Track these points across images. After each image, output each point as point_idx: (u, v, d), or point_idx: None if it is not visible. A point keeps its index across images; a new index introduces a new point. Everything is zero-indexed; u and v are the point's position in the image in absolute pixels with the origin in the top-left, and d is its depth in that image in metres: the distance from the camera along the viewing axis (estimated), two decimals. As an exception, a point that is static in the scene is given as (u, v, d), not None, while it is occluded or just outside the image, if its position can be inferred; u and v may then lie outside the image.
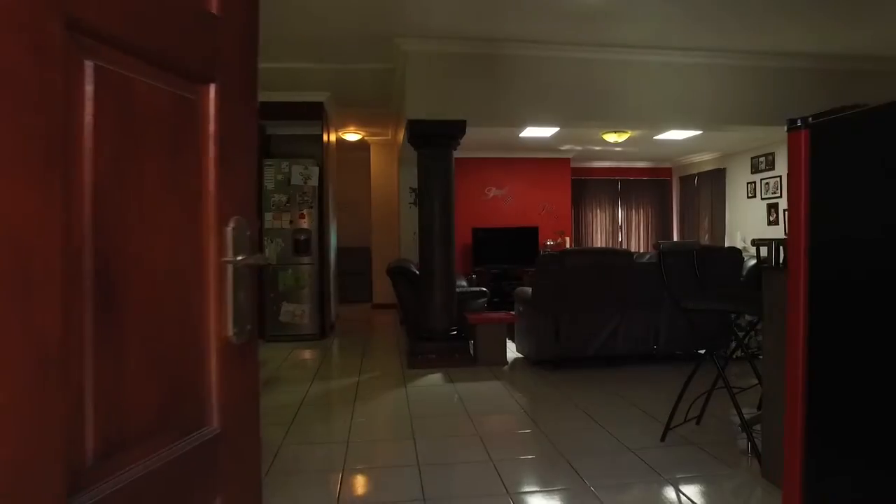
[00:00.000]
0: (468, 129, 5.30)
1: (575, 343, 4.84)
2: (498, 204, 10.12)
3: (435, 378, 4.77)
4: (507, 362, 5.26)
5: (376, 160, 9.56)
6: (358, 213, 10.41)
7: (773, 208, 8.85)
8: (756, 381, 3.65)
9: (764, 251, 5.17)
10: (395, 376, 4.86)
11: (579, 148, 9.67)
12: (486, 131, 8.01)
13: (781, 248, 2.66)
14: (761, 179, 9.12)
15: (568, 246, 10.08)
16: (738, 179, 9.73)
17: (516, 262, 9.48)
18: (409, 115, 5.17)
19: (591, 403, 3.92)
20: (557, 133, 8.20)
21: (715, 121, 5.72)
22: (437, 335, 5.27)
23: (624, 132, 7.68)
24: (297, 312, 6.55)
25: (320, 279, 6.73)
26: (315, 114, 6.74)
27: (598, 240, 11.20)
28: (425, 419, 3.68)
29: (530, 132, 8.11)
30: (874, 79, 5.93)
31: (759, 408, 3.81)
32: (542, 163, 10.18)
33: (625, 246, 11.29)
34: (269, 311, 6.50)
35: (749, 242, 9.29)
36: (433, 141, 5.25)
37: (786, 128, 1.80)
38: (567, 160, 10.32)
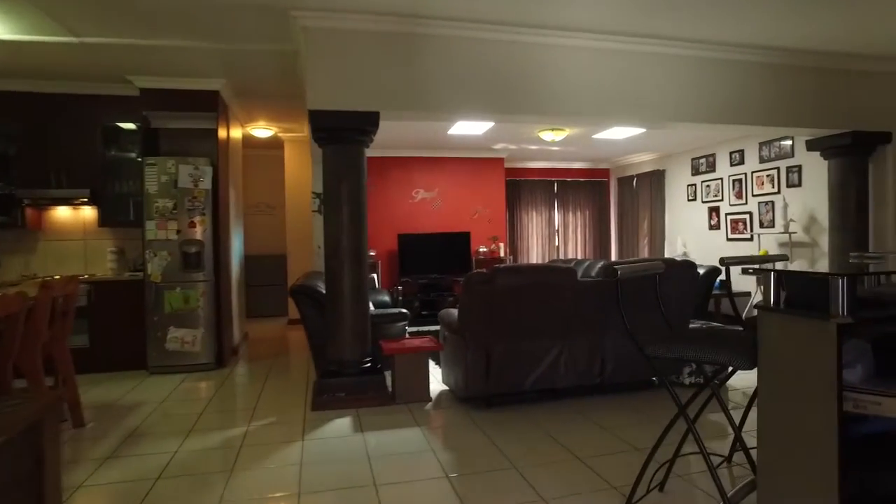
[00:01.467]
0: (385, 123, 4.49)
1: (509, 377, 4.10)
2: (426, 207, 9.34)
3: (342, 425, 3.92)
4: (430, 398, 4.46)
5: (291, 159, 8.58)
6: (274, 217, 9.45)
7: (714, 212, 8.46)
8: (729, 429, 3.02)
9: (735, 273, 4.61)
10: (293, 423, 3.97)
11: (514, 147, 9.01)
12: (410, 127, 7.21)
13: (783, 279, 1.97)
14: (702, 182, 8.73)
15: (503, 253, 9.41)
16: (678, 181, 9.33)
17: (447, 272, 8.74)
18: (311, 104, 4.29)
19: (529, 460, 3.18)
20: (490, 130, 7.49)
21: (663, 117, 5.12)
22: (348, 369, 4.41)
23: (561, 129, 7.06)
24: (188, 338, 5.54)
25: (217, 298, 5.75)
26: (209, 104, 5.76)
27: (535, 245, 10.60)
28: (319, 497, 2.83)
29: (460, 129, 7.37)
30: (831, 76, 5.52)
31: (728, 459, 3.18)
32: (474, 163, 9.48)
33: (562, 250, 10.74)
34: (152, 338, 5.46)
35: (686, 247, 8.89)
36: (340, 136, 4.39)
37: None
38: (501, 160, 9.66)
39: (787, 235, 6.98)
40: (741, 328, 2.83)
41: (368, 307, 4.58)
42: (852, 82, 5.64)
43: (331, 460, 3.31)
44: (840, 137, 5.77)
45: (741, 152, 7.91)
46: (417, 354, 4.43)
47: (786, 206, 6.94)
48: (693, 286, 4.39)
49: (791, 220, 6.96)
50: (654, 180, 9.83)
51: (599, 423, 3.80)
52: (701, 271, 5.08)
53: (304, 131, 8.15)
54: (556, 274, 4.10)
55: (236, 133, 7.13)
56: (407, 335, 5.13)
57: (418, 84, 4.50)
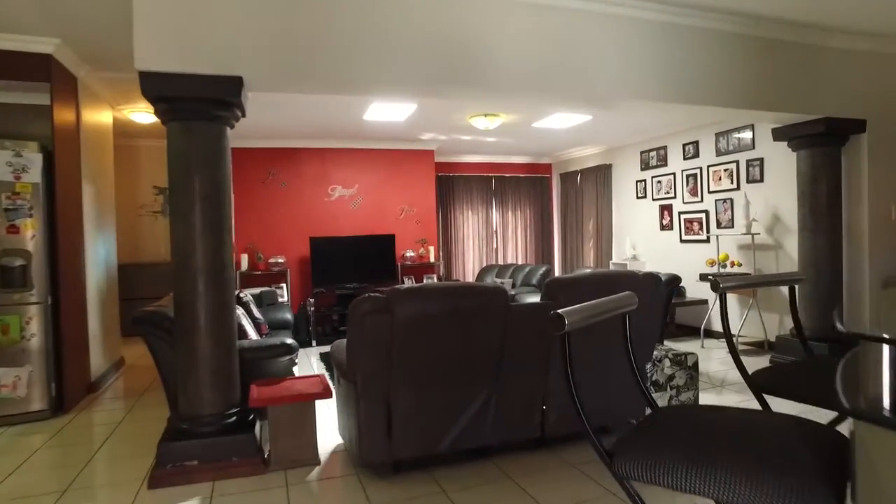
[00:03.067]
0: (286, 104, 3.39)
1: (419, 435, 3.02)
2: (344, 206, 8.16)
3: (180, 517, 2.75)
4: (318, 461, 3.33)
5: (181, 149, 7.26)
6: (165, 217, 8.07)
7: (666, 210, 7.63)
8: None
9: (687, 278, 3.65)
10: (111, 514, 2.77)
11: (444, 138, 7.95)
12: (317, 110, 6.01)
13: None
14: (652, 177, 7.89)
15: (433, 257, 8.33)
16: (626, 177, 8.49)
17: (368, 280, 7.61)
18: (140, 62, 3.08)
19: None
20: (413, 115, 6.39)
21: (612, 94, 4.15)
22: (203, 426, 3.22)
23: (495, 115, 6.04)
24: (6, 381, 4.20)
25: (55, 323, 4.44)
26: (37, 72, 4.41)
27: (471, 247, 9.58)
28: None
29: (377, 113, 6.23)
30: (805, 52, 4.73)
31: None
32: (399, 155, 8.36)
33: (501, 253, 9.76)
34: (-45, 381, 4.10)
35: (636, 249, 8.06)
36: (189, 109, 3.20)
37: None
38: (430, 153, 8.57)
39: (748, 237, 6.19)
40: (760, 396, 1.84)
41: (235, 340, 3.40)
42: (827, 61, 4.88)
43: None
44: (811, 125, 5.00)
45: (695, 144, 7.11)
46: (300, 405, 3.29)
47: (747, 203, 6.14)
48: (659, 307, 3.43)
49: (753, 219, 6.17)
50: (600, 176, 8.97)
51: (541, 501, 2.77)
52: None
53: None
54: (480, 296, 3.02)
55: (100, 116, 5.79)
56: (318, 372, 3.98)
57: (301, 42, 3.36)
